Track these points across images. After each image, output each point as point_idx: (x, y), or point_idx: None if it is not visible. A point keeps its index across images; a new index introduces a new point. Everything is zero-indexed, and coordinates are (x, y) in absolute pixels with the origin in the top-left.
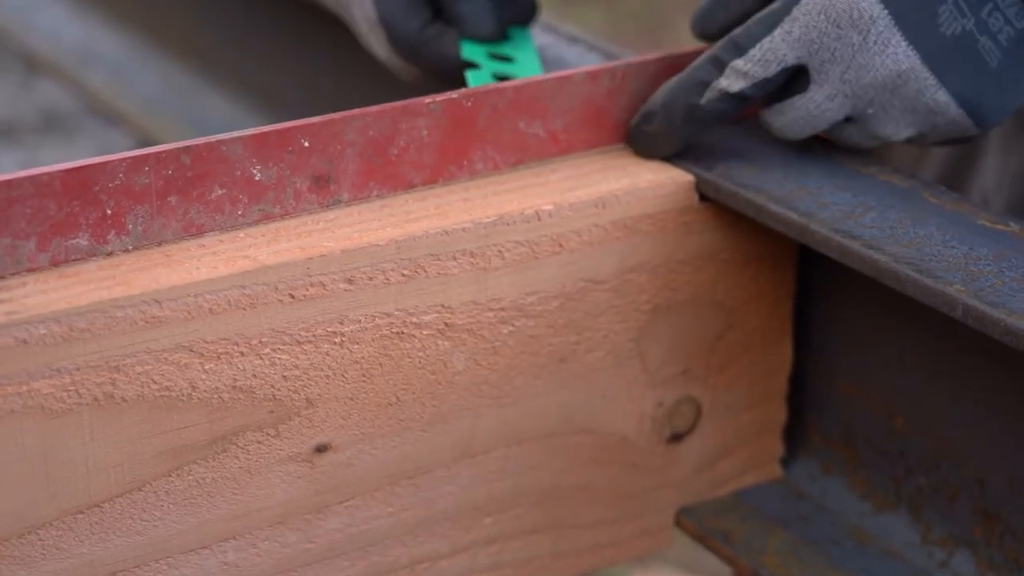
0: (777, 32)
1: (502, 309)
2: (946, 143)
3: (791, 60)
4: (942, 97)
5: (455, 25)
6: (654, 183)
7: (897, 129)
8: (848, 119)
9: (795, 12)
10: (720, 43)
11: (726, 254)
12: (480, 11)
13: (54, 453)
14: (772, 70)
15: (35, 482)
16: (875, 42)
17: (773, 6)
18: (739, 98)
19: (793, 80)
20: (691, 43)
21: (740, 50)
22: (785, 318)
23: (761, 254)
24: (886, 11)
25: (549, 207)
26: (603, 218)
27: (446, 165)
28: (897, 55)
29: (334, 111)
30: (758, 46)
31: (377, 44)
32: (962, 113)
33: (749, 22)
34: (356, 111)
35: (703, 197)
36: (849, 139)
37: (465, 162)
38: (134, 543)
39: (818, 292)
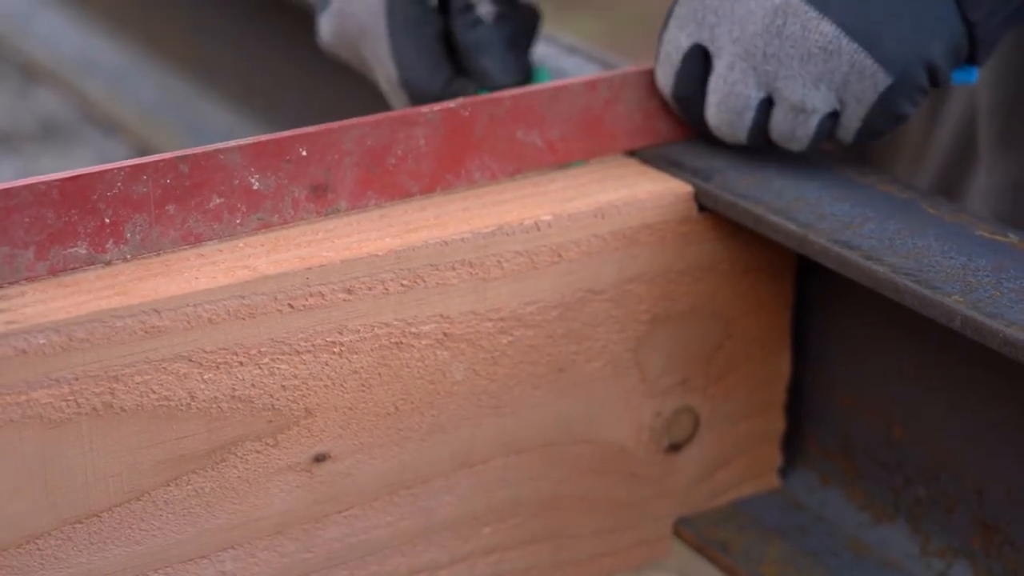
0: (671, 22)
1: (501, 319)
2: (875, 120)
3: (686, 43)
4: (827, 27)
5: (479, 80)
6: (653, 193)
7: (809, 92)
8: (768, 102)
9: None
10: None
11: (725, 264)
12: (502, 63)
13: (53, 463)
14: (675, 61)
15: (34, 492)
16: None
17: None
18: (676, 100)
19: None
20: None
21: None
22: (784, 328)
23: (760, 264)
24: None
25: (548, 217)
26: (602, 228)
27: (443, 174)
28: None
29: (332, 120)
30: (662, 43)
31: (400, 104)
32: (857, 48)
33: None
34: (354, 120)
35: (702, 207)
36: (783, 128)
37: (462, 171)
38: (133, 553)
39: (817, 302)
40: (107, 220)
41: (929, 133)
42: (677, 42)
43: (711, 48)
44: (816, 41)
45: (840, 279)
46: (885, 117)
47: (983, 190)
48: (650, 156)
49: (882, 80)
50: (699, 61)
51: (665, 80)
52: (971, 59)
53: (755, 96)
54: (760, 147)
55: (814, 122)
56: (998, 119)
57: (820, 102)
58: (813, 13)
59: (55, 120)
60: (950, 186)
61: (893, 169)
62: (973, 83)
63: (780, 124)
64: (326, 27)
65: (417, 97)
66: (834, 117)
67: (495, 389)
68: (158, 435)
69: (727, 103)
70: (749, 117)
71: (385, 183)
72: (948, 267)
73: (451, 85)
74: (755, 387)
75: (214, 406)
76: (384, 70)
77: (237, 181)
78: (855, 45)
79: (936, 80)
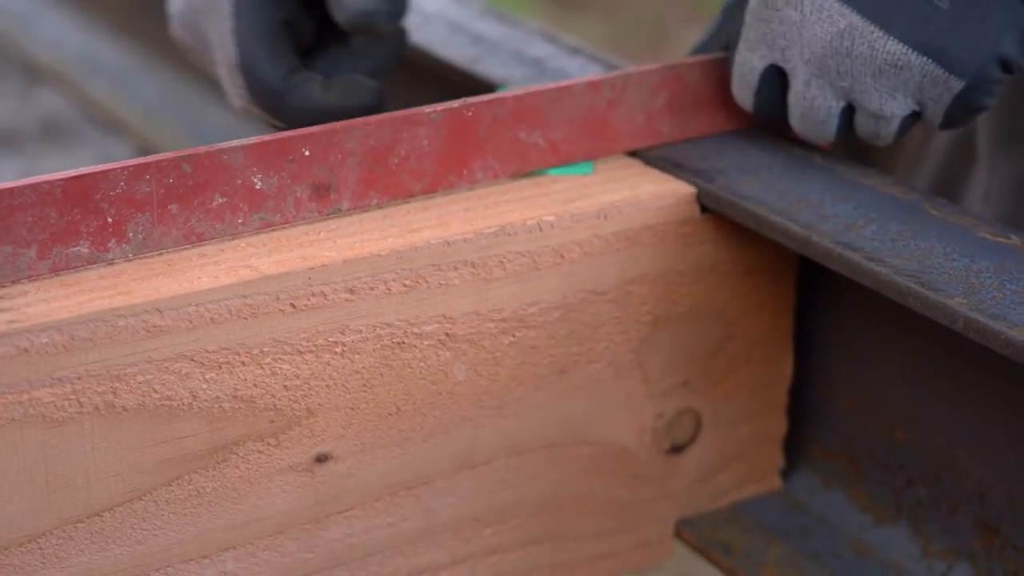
0: (740, 44)
1: (503, 320)
2: (956, 116)
3: (760, 66)
4: (893, 47)
5: (355, 17)
6: (655, 194)
7: (886, 101)
8: (850, 108)
9: (746, 19)
10: None
11: (727, 266)
12: None
13: (55, 462)
14: (752, 82)
15: (35, 491)
16: (811, 11)
17: (721, 21)
18: (758, 116)
19: (784, 84)
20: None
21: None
22: (786, 330)
23: (762, 266)
24: None
25: (551, 218)
26: (604, 229)
27: (446, 174)
28: (832, 16)
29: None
30: (735, 65)
31: (234, 91)
32: (927, 61)
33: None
34: (356, 120)
35: (704, 208)
36: (868, 130)
37: (465, 171)
38: (134, 552)
39: (819, 304)
40: (110, 219)
41: (928, 135)
42: (751, 64)
43: (786, 68)
44: (885, 59)
45: (842, 281)
46: (966, 112)
47: (984, 190)
48: (652, 157)
49: (955, 84)
50: (775, 80)
51: (745, 100)
52: None
53: (836, 106)
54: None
55: (896, 124)
56: (1000, 118)
57: (898, 108)
58: (879, 33)
59: (57, 120)
60: (948, 187)
61: (892, 170)
62: None
63: (864, 127)
64: (173, 4)
65: (254, 84)
66: (916, 115)
67: (497, 390)
68: (160, 435)
69: (810, 115)
70: (833, 124)
71: (388, 183)
72: (951, 269)
73: (292, 76)
74: (757, 388)
75: (216, 406)
76: (224, 52)
77: (240, 181)
78: (924, 59)
79: (1010, 69)
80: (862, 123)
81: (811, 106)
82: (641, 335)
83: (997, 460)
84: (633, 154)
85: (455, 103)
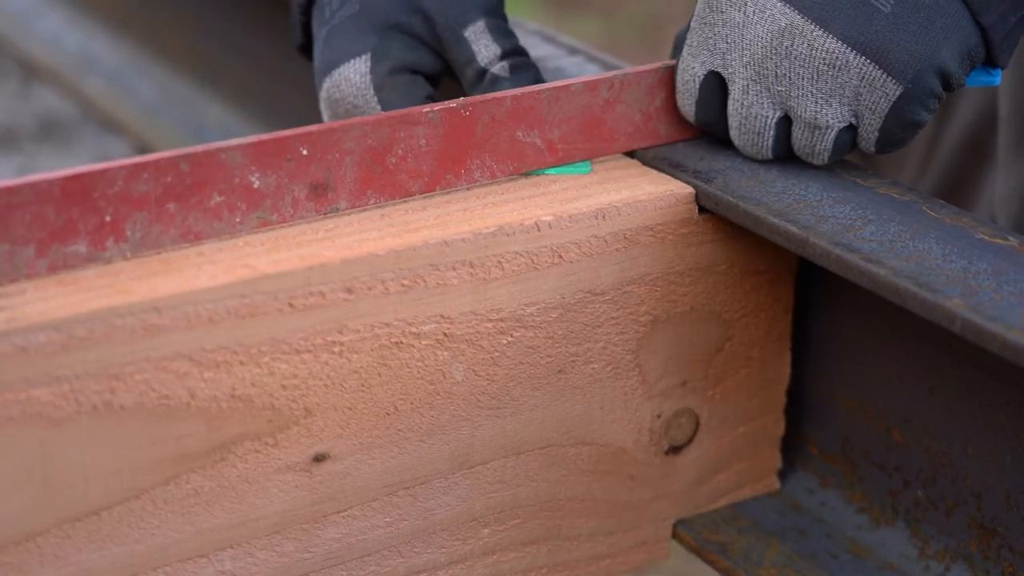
0: (684, 51)
1: (501, 320)
2: (892, 130)
3: (701, 72)
4: (832, 44)
5: None
6: (654, 195)
7: (822, 108)
8: (786, 120)
9: (692, 24)
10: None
11: (725, 266)
12: None
13: (53, 460)
14: (694, 89)
15: (33, 489)
16: (754, 12)
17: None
18: (700, 126)
19: (724, 96)
20: None
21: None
22: (784, 331)
23: (760, 267)
24: None
25: (549, 218)
26: (602, 229)
27: (444, 174)
28: (774, 15)
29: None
30: (679, 72)
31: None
32: (865, 61)
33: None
34: (354, 119)
35: (702, 209)
36: (803, 144)
37: (463, 171)
38: (132, 551)
39: (817, 305)
40: (108, 218)
41: (936, 137)
42: (693, 71)
43: (725, 74)
44: (823, 58)
45: (840, 281)
46: (902, 125)
47: (999, 194)
48: (651, 157)
49: (893, 90)
50: (716, 87)
51: (687, 109)
52: (990, 62)
53: (772, 116)
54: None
55: (830, 137)
56: (1015, 123)
57: (833, 118)
58: (818, 31)
59: (55, 118)
60: (957, 190)
61: (899, 173)
62: (996, 85)
63: (799, 141)
64: (323, 110)
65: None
66: (852, 131)
67: (495, 390)
68: (158, 434)
69: (746, 125)
70: (769, 136)
71: (385, 182)
72: (948, 270)
73: None
74: (755, 389)
75: (214, 405)
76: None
77: (237, 180)
78: (862, 58)
79: (949, 84)
80: (798, 136)
81: (747, 114)
82: (639, 335)
83: (994, 461)
84: (631, 154)
85: (453, 103)
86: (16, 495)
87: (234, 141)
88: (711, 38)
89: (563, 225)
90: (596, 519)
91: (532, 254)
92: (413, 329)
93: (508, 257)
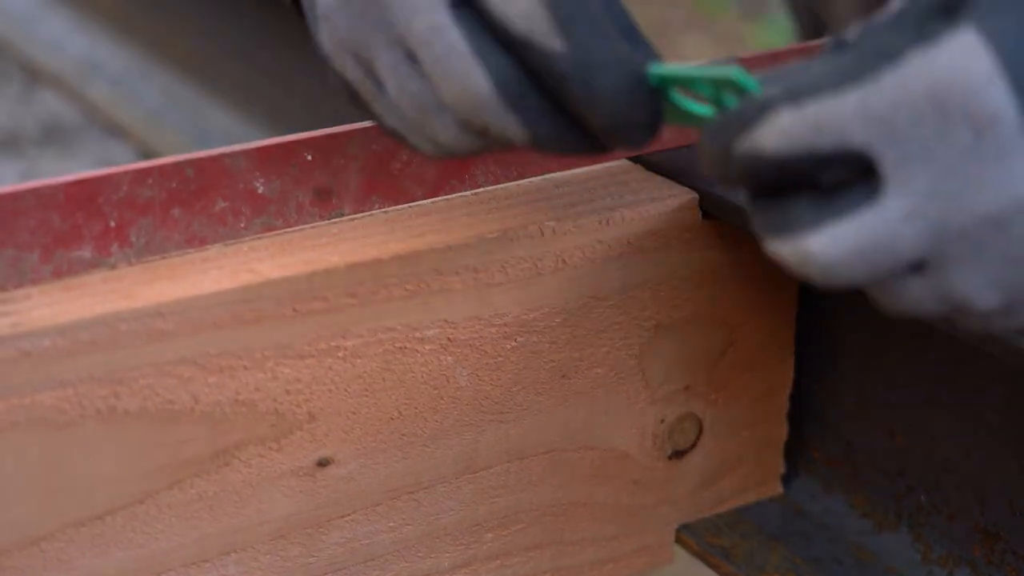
0: (852, 94)
1: (505, 325)
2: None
3: (857, 141)
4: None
5: None
6: (658, 200)
7: (980, 290)
8: (917, 264)
9: (885, 76)
10: (773, 71)
11: (729, 271)
12: None
13: (56, 465)
14: (825, 144)
15: (37, 494)
16: (991, 149)
17: (858, 47)
18: (773, 166)
19: (849, 180)
20: (694, 59)
21: (792, 95)
22: (787, 335)
23: (764, 272)
24: (1018, 114)
25: (553, 223)
26: (606, 234)
27: (448, 179)
28: (1022, 176)
29: (337, 125)
30: (815, 100)
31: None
32: None
33: (819, 57)
34: (359, 125)
35: (706, 214)
36: (906, 300)
37: (467, 176)
38: (135, 556)
39: (820, 309)
40: (112, 223)
41: None
42: (844, 126)
43: (891, 179)
44: None
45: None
46: None
47: None
48: (655, 162)
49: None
50: (849, 166)
51: (787, 144)
52: None
53: (907, 261)
54: None
55: None
56: None
57: (984, 302)
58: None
59: (58, 123)
60: None
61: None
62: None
63: (909, 296)
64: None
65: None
66: None
67: (498, 395)
68: (162, 438)
69: (871, 254)
70: (878, 274)
71: (389, 188)
72: None
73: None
74: (758, 394)
75: (217, 410)
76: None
77: (242, 185)
78: None
79: None
80: (914, 288)
81: (886, 245)
82: (643, 340)
83: (997, 466)
84: (635, 159)
85: None
86: (20, 500)
87: (239, 146)
88: (904, 126)
89: (567, 230)
90: (599, 523)
91: (536, 259)
92: (417, 334)
93: (512, 262)
